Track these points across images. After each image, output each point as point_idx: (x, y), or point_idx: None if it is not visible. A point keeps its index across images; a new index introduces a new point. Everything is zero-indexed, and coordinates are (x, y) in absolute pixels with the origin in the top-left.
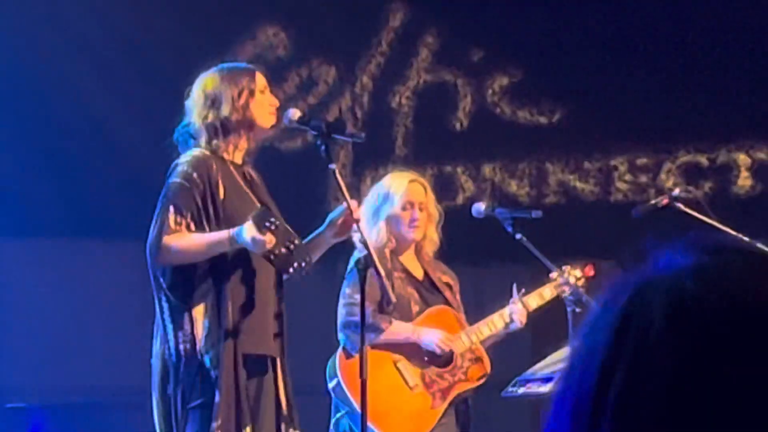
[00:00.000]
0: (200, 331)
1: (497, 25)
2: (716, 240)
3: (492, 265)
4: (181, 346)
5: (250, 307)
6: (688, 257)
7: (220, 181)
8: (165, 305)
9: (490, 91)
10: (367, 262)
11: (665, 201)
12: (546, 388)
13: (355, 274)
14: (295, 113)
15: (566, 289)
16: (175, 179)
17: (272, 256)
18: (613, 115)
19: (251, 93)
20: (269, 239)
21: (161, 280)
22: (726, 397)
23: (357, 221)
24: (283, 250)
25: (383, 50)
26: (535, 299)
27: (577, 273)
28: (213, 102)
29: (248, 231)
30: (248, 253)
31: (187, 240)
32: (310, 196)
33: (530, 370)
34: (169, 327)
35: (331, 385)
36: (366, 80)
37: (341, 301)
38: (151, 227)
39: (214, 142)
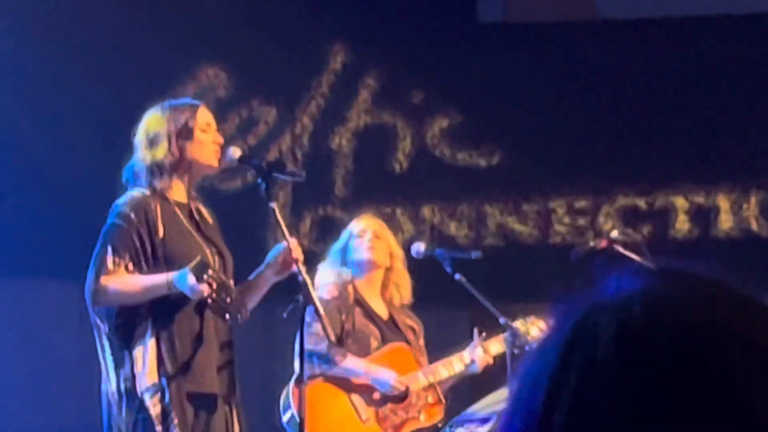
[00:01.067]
0: (140, 369)
1: (437, 67)
2: (666, 265)
3: (430, 307)
4: (122, 385)
5: (191, 345)
6: (638, 281)
7: (159, 221)
8: (106, 344)
9: (429, 133)
10: (306, 301)
11: (604, 243)
12: (484, 429)
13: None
14: (235, 152)
15: (525, 341)
16: (114, 220)
17: (209, 301)
18: (551, 158)
19: (189, 132)
20: (206, 290)
21: (98, 320)
22: (667, 422)
23: (296, 260)
24: (221, 300)
25: (323, 91)
26: (496, 345)
27: (541, 325)
28: (151, 143)
29: (187, 279)
30: None
31: (125, 281)
32: (249, 237)
33: (468, 410)
34: (111, 366)
35: (285, 418)
36: (306, 121)
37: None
38: (89, 269)
39: (155, 182)
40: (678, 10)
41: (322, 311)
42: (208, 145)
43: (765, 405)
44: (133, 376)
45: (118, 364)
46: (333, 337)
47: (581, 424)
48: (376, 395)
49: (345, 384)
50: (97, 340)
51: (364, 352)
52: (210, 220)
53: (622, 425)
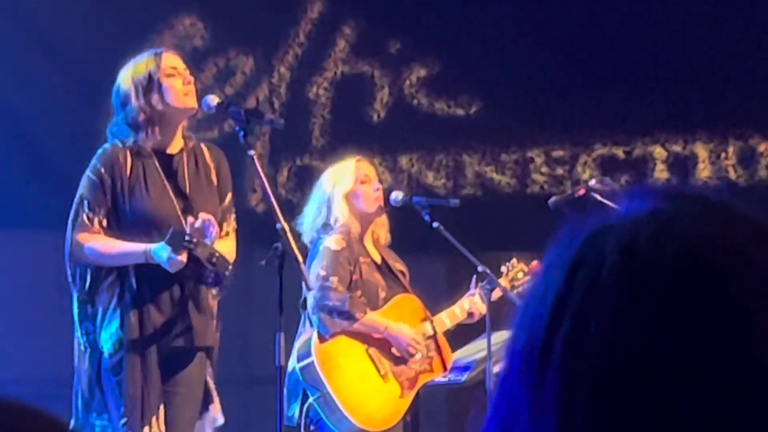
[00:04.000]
0: (101, 321)
1: (415, 16)
2: (675, 188)
3: (408, 255)
4: (84, 338)
5: (159, 298)
6: (646, 203)
7: (126, 173)
8: (74, 296)
9: (407, 83)
10: (284, 249)
11: (582, 191)
12: (464, 377)
13: (322, 254)
14: (213, 99)
15: (517, 282)
16: (87, 173)
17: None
18: (529, 108)
19: (154, 83)
20: (184, 260)
21: (71, 271)
22: (668, 340)
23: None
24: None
25: (301, 41)
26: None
27: (524, 268)
28: (123, 103)
29: (163, 252)
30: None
31: (102, 243)
32: None
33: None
34: (76, 318)
35: (300, 365)
36: (283, 71)
37: (315, 283)
38: (69, 222)
39: (132, 137)
40: None
41: (300, 259)
42: (177, 88)
43: (762, 324)
44: (95, 329)
45: (83, 316)
46: (310, 286)
47: (583, 342)
48: (393, 349)
49: (363, 337)
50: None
51: (373, 303)
52: (211, 163)
53: (624, 344)
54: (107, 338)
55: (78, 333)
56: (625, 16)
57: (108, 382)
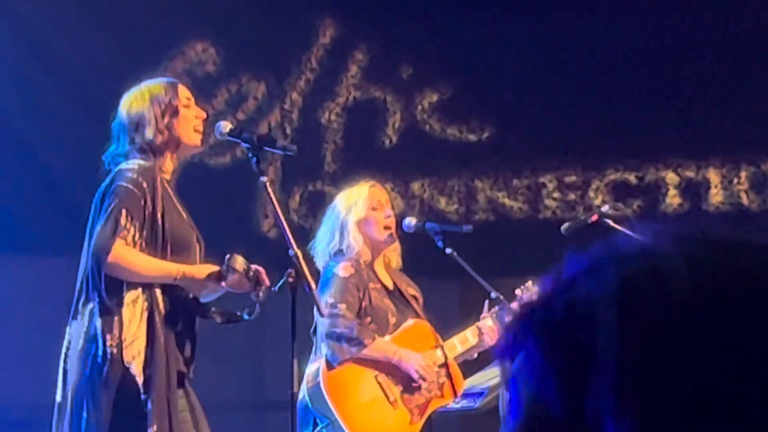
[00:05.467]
0: (128, 335)
1: (426, 41)
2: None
3: (421, 281)
4: (108, 350)
5: (178, 319)
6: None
7: (159, 196)
8: (96, 305)
9: (419, 108)
10: (297, 275)
11: (594, 217)
12: (478, 403)
13: (332, 283)
14: (225, 125)
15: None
16: (122, 183)
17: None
18: (541, 133)
19: (175, 111)
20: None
21: (97, 279)
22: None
23: (262, 284)
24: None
25: (313, 66)
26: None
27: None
28: (137, 125)
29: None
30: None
31: (138, 260)
32: (239, 212)
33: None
34: (98, 328)
35: (309, 392)
36: (295, 96)
37: (326, 311)
38: (99, 228)
39: (150, 158)
40: None
41: (313, 285)
42: (191, 120)
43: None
44: (121, 342)
45: (107, 328)
46: (325, 311)
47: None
48: (403, 376)
49: (372, 364)
50: (82, 302)
51: (383, 329)
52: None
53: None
54: (134, 354)
55: (99, 342)
56: (637, 42)
57: (130, 395)
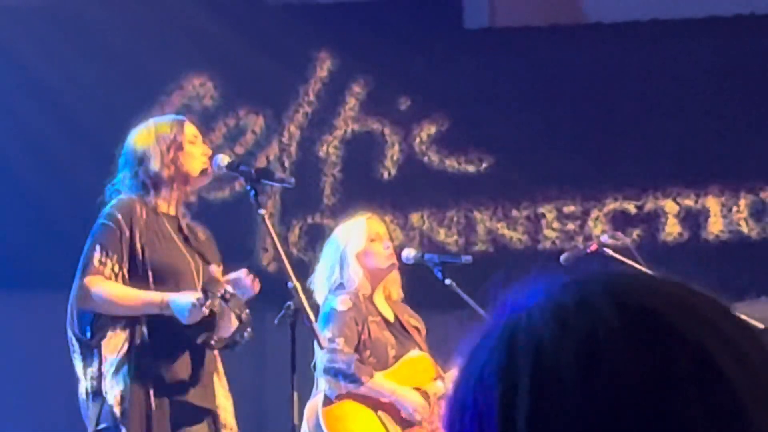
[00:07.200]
0: (106, 368)
1: (424, 74)
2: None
3: (421, 313)
4: (88, 383)
5: (170, 351)
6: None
7: (141, 225)
8: (76, 343)
9: (417, 140)
10: (296, 308)
11: (593, 247)
12: None
13: (330, 317)
14: (223, 159)
15: None
16: (102, 220)
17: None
18: (540, 164)
19: (180, 146)
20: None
21: (71, 316)
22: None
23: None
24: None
25: (310, 99)
26: None
27: None
28: (142, 159)
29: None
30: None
31: (113, 290)
32: (238, 246)
33: None
34: (79, 365)
35: (309, 428)
36: (293, 129)
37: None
38: (78, 268)
39: (146, 192)
40: (664, 13)
41: (313, 318)
42: (197, 156)
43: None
44: (100, 375)
45: (86, 363)
46: (325, 344)
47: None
48: (403, 413)
49: (372, 402)
50: (69, 341)
51: (382, 362)
52: (203, 236)
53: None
54: (113, 386)
55: (80, 379)
56: (634, 72)
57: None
